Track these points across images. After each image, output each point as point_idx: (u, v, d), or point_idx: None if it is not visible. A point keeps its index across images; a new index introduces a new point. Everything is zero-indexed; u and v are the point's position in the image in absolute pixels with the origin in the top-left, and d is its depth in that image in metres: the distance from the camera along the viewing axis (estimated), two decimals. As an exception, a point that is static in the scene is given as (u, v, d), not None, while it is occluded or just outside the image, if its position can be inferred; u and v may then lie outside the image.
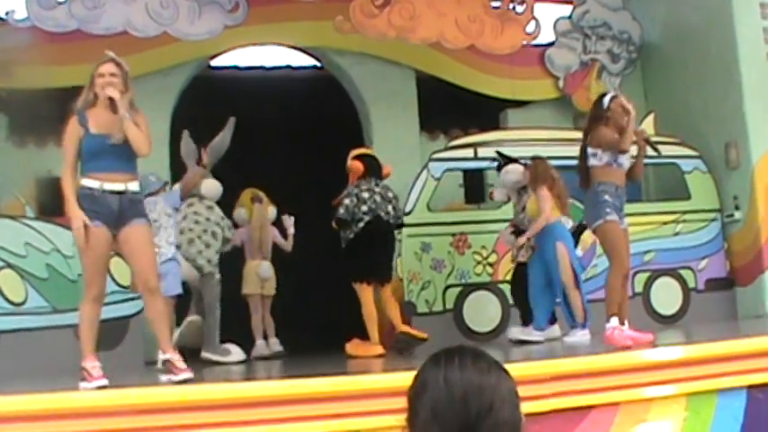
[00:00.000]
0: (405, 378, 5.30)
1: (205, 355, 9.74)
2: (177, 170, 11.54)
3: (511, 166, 10.39)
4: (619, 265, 7.92)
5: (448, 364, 2.18)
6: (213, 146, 9.93)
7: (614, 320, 7.66)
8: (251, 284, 11.02)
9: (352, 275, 9.59)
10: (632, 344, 7.41)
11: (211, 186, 10.34)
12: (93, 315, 6.43)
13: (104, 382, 6.09)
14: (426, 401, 2.14)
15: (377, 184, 9.71)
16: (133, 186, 6.54)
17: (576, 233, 10.34)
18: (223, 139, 9.95)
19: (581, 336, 9.23)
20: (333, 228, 9.69)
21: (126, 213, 6.45)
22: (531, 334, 9.51)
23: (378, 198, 9.56)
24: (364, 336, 9.50)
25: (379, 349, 9.30)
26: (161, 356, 6.96)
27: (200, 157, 9.84)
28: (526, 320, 9.94)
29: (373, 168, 9.88)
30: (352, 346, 9.57)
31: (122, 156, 6.45)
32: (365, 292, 9.52)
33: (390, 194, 9.75)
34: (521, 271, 10.10)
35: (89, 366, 6.18)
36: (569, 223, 9.96)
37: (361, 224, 9.45)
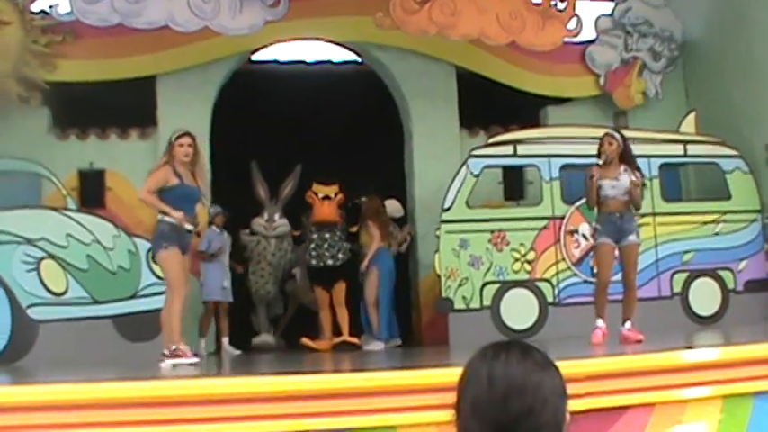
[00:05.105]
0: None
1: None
2: (216, 163, 11.61)
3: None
4: None
5: (494, 359, 2.16)
6: (282, 196, 12.44)
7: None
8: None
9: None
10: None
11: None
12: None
13: (195, 359, 7.79)
14: (468, 395, 2.14)
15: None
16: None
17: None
18: (290, 188, 12.44)
19: (374, 345, 10.97)
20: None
21: None
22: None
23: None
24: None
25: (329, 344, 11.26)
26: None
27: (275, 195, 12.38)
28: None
29: None
30: (309, 342, 11.38)
31: None
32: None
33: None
34: None
35: (183, 348, 7.64)
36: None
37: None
